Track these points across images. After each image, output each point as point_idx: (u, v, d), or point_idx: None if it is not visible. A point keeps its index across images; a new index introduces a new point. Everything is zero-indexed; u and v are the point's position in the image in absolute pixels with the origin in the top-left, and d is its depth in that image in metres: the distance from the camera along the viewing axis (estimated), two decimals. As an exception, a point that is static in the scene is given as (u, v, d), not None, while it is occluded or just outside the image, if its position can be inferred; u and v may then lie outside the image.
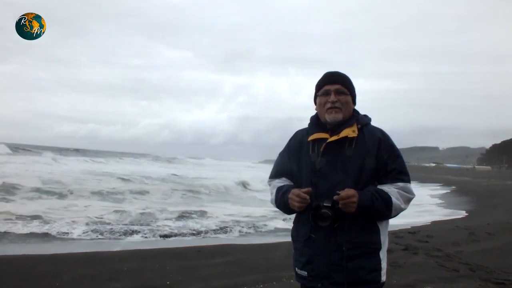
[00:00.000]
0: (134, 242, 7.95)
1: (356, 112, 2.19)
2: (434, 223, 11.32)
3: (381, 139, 2.08)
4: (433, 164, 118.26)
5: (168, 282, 4.92)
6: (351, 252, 1.98)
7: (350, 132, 2.05)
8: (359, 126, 2.09)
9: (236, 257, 6.30)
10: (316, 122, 2.20)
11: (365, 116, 2.19)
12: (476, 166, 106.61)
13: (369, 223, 2.03)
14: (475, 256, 6.44)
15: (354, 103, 2.19)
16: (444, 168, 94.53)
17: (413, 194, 2.09)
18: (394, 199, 1.99)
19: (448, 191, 26.95)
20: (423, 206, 16.37)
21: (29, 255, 6.24)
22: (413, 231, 8.80)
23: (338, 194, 1.92)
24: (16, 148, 50.71)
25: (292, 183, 2.23)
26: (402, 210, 2.05)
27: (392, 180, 2.06)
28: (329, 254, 2.00)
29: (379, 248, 2.03)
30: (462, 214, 14.12)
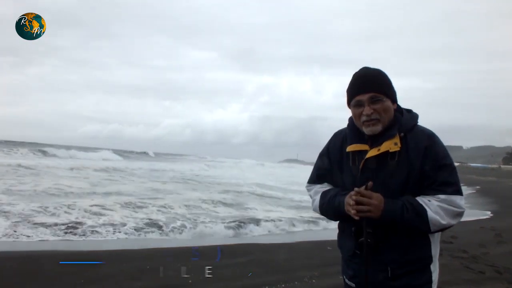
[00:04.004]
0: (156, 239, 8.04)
1: (398, 112, 1.95)
2: (458, 223, 11.03)
3: (427, 148, 1.86)
4: (457, 164, 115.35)
5: (190, 281, 4.96)
6: (397, 272, 1.86)
7: (391, 145, 1.84)
8: (401, 134, 1.87)
9: (257, 257, 6.30)
10: (353, 129, 1.98)
11: (410, 114, 1.97)
12: (502, 166, 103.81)
13: (419, 237, 1.88)
14: (502, 258, 6.29)
15: (395, 100, 1.95)
16: (468, 167, 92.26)
17: (459, 208, 1.87)
18: (430, 213, 1.80)
19: (472, 191, 26.32)
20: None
21: (58, 252, 6.37)
22: (437, 232, 8.62)
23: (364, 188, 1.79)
24: (125, 155, 49.76)
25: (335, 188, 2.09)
26: (444, 226, 1.85)
27: (434, 192, 1.85)
28: (374, 273, 1.87)
29: (429, 262, 1.90)
30: (487, 214, 13.73)
